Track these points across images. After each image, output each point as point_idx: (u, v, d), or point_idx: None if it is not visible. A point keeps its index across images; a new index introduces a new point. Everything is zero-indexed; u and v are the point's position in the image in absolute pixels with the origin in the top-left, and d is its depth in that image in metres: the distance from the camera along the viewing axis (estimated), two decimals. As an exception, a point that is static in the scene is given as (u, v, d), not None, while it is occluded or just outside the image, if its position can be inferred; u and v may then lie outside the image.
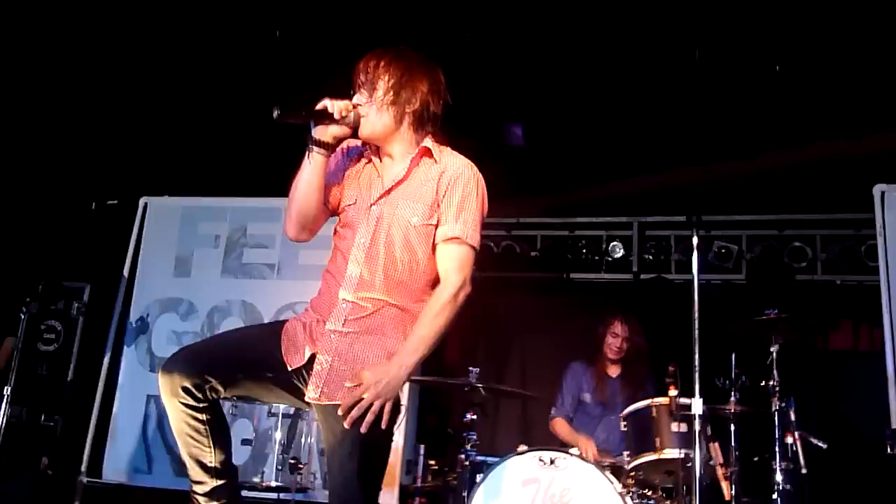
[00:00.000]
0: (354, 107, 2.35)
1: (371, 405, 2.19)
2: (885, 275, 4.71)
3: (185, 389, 2.29)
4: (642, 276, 5.64)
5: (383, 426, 2.23)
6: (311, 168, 2.35)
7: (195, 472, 2.40)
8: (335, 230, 2.48)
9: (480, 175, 2.43)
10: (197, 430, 2.35)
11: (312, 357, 2.33)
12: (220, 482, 2.40)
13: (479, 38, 4.63)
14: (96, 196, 5.92)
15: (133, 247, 5.91)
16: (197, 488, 2.42)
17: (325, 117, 2.31)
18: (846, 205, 5.13)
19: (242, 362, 2.38)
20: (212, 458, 2.38)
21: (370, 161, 2.46)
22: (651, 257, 5.52)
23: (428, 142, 2.41)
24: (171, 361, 2.36)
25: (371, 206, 2.38)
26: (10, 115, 5.38)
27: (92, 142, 5.74)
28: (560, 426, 4.67)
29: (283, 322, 2.48)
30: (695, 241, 3.40)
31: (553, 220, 5.93)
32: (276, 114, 2.23)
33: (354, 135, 2.40)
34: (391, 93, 2.35)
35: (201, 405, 2.32)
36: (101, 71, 5.24)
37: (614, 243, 5.71)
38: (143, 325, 5.77)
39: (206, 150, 5.85)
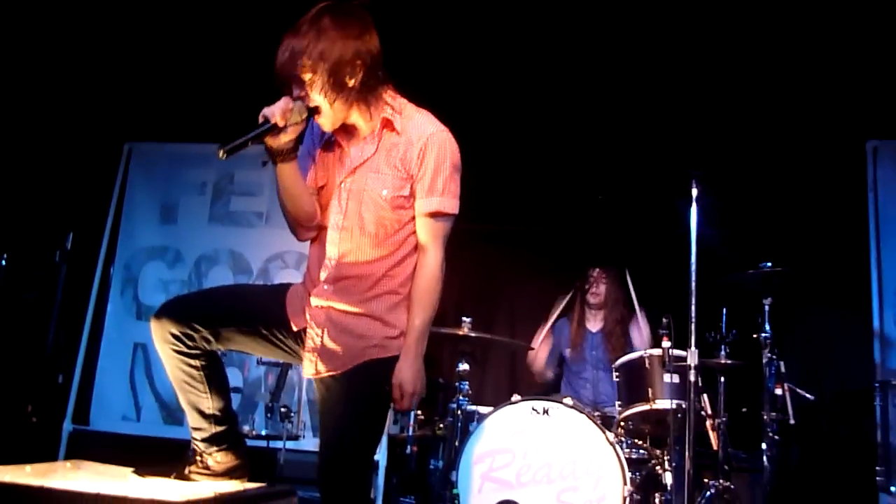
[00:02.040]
0: (296, 99, 2.21)
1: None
2: (874, 230, 4.76)
3: (175, 336, 2.28)
4: (634, 230, 5.64)
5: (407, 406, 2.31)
6: (285, 178, 2.28)
7: (193, 418, 2.41)
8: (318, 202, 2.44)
9: (449, 135, 2.34)
10: (192, 377, 2.35)
11: (303, 333, 2.35)
12: (219, 428, 2.41)
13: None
14: (78, 140, 5.76)
15: (117, 193, 5.80)
16: (196, 434, 2.43)
17: (271, 129, 2.17)
18: (837, 160, 5.12)
19: (235, 314, 2.36)
20: (209, 404, 2.39)
21: (336, 140, 2.39)
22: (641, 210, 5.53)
23: (387, 111, 2.31)
24: (161, 308, 2.35)
25: (340, 184, 2.34)
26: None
27: (75, 84, 5.58)
28: (536, 359, 4.76)
29: (287, 285, 2.46)
30: (693, 192, 3.39)
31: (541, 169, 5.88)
32: (221, 153, 2.12)
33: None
34: (327, 77, 2.18)
35: (193, 352, 2.31)
36: (82, 11, 5.07)
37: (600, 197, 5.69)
38: (128, 273, 5.70)
39: (193, 93, 5.71)
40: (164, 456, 5.06)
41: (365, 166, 2.32)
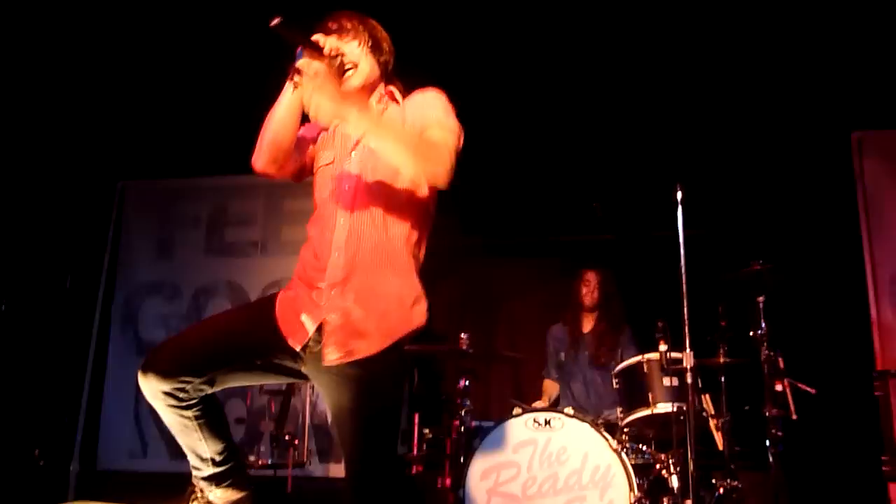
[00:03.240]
0: (342, 54, 2.33)
1: None
2: (865, 221, 4.78)
3: (167, 393, 2.22)
4: (624, 235, 5.66)
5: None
6: (289, 96, 2.29)
7: (192, 459, 2.38)
8: (313, 198, 2.42)
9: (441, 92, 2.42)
10: (186, 427, 2.30)
11: (321, 325, 2.25)
12: (218, 469, 2.38)
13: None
14: (72, 182, 5.81)
15: (113, 232, 5.85)
16: (196, 473, 2.41)
17: (316, 50, 2.25)
18: (822, 153, 5.15)
19: (226, 356, 2.28)
20: (206, 448, 2.34)
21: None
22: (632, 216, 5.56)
23: (393, 87, 2.46)
24: (147, 364, 2.24)
25: (351, 152, 2.36)
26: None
27: (65, 128, 5.64)
28: (548, 386, 4.75)
29: (271, 298, 2.38)
30: (678, 195, 3.41)
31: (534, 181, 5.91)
32: (276, 21, 2.11)
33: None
34: (371, 42, 2.38)
35: (185, 404, 2.25)
36: (69, 55, 5.13)
37: (596, 203, 5.72)
38: (128, 310, 5.73)
39: (180, 130, 5.77)
40: (172, 491, 5.10)
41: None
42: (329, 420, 2.36)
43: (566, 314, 4.82)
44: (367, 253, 2.28)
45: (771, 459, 3.69)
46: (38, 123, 5.55)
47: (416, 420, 4.79)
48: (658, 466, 3.82)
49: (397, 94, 2.46)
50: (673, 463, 3.76)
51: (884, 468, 3.76)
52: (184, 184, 5.90)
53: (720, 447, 3.93)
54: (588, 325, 4.78)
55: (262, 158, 2.34)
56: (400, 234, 2.32)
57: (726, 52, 4.88)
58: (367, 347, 2.22)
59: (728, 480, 3.79)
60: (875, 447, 3.83)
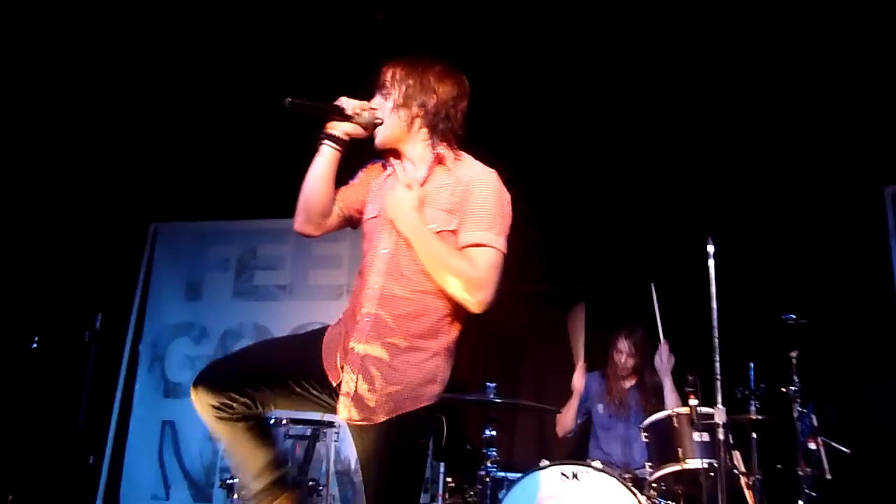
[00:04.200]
0: (371, 109, 2.38)
1: None
2: (898, 275, 4.71)
3: (215, 406, 2.29)
4: (655, 285, 5.62)
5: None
6: (320, 160, 2.39)
7: (244, 477, 2.42)
8: (362, 248, 2.45)
9: (499, 181, 2.37)
10: (236, 437, 2.35)
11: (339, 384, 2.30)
12: (271, 477, 2.39)
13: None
14: (105, 223, 5.91)
15: (144, 272, 5.92)
16: (246, 494, 2.44)
17: (338, 113, 2.34)
18: (855, 207, 5.10)
19: (270, 379, 2.33)
20: (258, 459, 2.37)
21: (393, 173, 2.45)
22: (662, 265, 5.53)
23: (442, 149, 2.37)
24: (198, 378, 2.34)
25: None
26: (16, 140, 5.40)
27: (99, 168, 5.75)
28: (563, 420, 4.68)
29: (323, 329, 2.42)
30: (710, 248, 3.39)
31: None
32: (287, 101, 2.24)
33: (371, 141, 2.41)
34: (403, 95, 2.37)
35: (234, 417, 2.31)
36: (103, 98, 5.25)
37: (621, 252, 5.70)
38: (155, 350, 5.77)
39: (213, 173, 5.87)
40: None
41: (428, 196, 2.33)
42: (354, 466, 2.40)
43: (606, 370, 4.74)
44: (392, 321, 2.28)
45: (804, 520, 3.60)
46: (74, 163, 5.68)
47: (442, 469, 4.75)
48: (689, 524, 3.74)
49: (448, 157, 2.38)
50: (703, 521, 3.67)
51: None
52: (215, 226, 5.98)
53: (752, 505, 3.84)
54: (629, 381, 4.70)
55: (298, 220, 2.45)
56: (433, 309, 2.30)
57: (763, 106, 4.89)
58: (367, 417, 2.26)
59: (760, 540, 3.69)
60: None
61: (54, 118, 5.35)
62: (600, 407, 4.71)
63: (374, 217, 2.41)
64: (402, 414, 2.25)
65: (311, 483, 4.36)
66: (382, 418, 2.24)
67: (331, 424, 4.62)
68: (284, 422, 4.55)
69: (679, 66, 4.76)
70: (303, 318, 5.59)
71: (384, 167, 2.50)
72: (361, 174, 2.53)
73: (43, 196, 5.80)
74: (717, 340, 3.26)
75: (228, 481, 4.46)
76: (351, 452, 5.20)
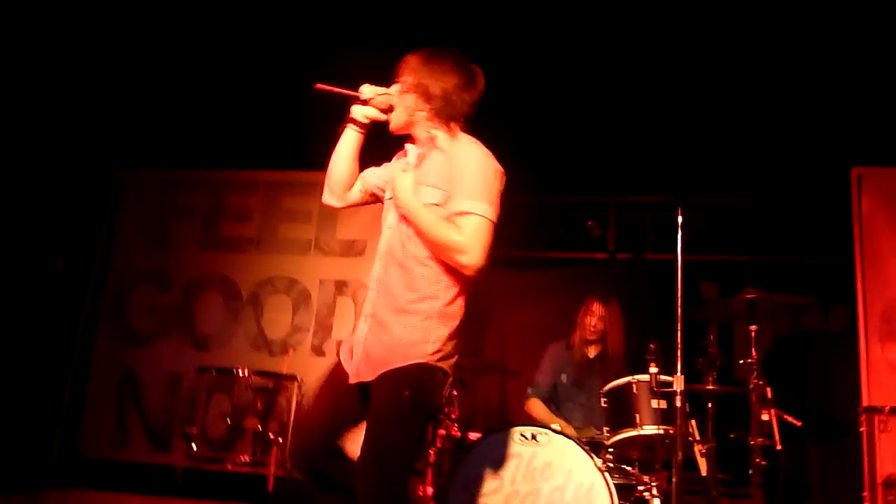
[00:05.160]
0: (387, 95, 2.61)
1: None
2: (860, 257, 4.81)
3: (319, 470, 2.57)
4: (619, 256, 5.69)
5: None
6: (343, 140, 2.68)
7: None
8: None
9: (484, 152, 2.53)
10: None
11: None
12: None
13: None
14: (69, 170, 5.79)
15: (107, 220, 5.83)
16: None
17: (357, 99, 2.62)
18: (821, 186, 5.19)
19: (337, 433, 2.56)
20: None
21: (404, 157, 2.65)
22: (628, 236, 5.59)
23: (436, 131, 2.57)
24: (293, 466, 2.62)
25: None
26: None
27: (64, 116, 5.62)
28: (535, 407, 4.67)
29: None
30: (679, 220, 3.43)
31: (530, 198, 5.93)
32: (316, 85, 2.56)
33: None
34: (412, 83, 2.57)
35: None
36: (70, 43, 5.13)
37: (591, 222, 5.74)
38: (117, 299, 5.71)
39: (180, 122, 5.77)
40: (151, 481, 5.08)
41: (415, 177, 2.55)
42: None
43: (572, 338, 4.77)
44: (393, 288, 2.51)
45: (753, 488, 3.70)
46: (38, 111, 5.54)
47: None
48: (641, 488, 3.82)
49: (440, 139, 2.56)
50: (656, 485, 3.76)
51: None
52: (182, 175, 5.89)
53: (703, 473, 3.94)
54: (593, 350, 4.75)
55: (324, 193, 2.75)
56: (426, 276, 2.50)
57: (733, 86, 4.94)
58: (367, 375, 2.48)
59: (709, 506, 3.80)
60: (856, 482, 3.84)
61: (21, 65, 5.20)
62: (564, 377, 4.75)
63: (389, 199, 2.63)
64: (392, 369, 2.43)
65: (271, 435, 4.38)
66: (376, 375, 2.45)
67: (293, 378, 4.63)
68: (246, 373, 4.56)
69: (653, 44, 4.79)
70: (270, 271, 5.57)
71: (404, 152, 2.69)
72: (393, 159, 2.74)
73: (5, 142, 5.66)
74: (680, 311, 3.31)
75: (187, 431, 4.46)
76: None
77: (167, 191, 5.90)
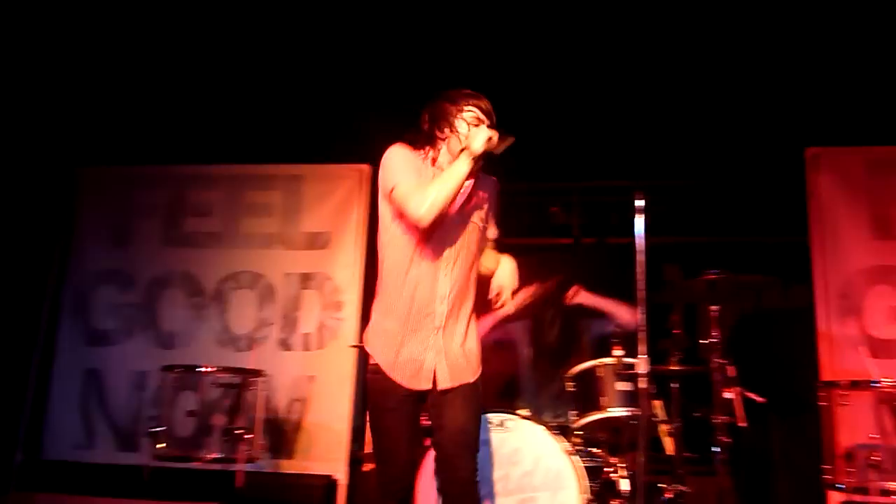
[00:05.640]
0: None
1: None
2: (816, 235, 4.90)
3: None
4: (583, 240, 5.73)
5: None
6: (466, 176, 2.82)
7: None
8: (420, 237, 2.87)
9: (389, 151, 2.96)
10: None
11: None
12: None
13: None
14: (29, 168, 5.67)
15: (67, 218, 5.73)
16: None
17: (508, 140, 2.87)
18: (779, 166, 5.27)
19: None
20: None
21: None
22: (591, 221, 5.64)
23: None
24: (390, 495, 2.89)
25: (461, 210, 2.95)
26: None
27: (25, 113, 5.52)
28: None
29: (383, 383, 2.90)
30: (639, 203, 3.46)
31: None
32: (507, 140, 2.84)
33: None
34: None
35: None
36: (24, 38, 5.03)
37: (554, 208, 5.78)
38: (79, 298, 5.62)
39: (139, 117, 5.70)
40: (116, 482, 5.01)
41: (472, 202, 2.99)
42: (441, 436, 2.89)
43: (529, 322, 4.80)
44: (459, 300, 2.98)
45: (718, 465, 3.77)
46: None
47: (368, 417, 4.77)
48: (608, 470, 3.87)
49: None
50: (623, 467, 3.81)
51: (824, 476, 3.85)
52: (142, 171, 5.79)
53: (669, 452, 4.00)
54: (552, 332, 4.77)
55: (430, 214, 2.77)
56: (472, 287, 3.05)
57: (694, 71, 4.99)
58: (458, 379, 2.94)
59: (676, 485, 3.86)
60: (817, 456, 3.93)
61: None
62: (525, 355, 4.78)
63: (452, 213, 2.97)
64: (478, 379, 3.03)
65: (238, 431, 4.35)
66: (468, 381, 2.95)
67: (259, 373, 4.60)
68: (212, 370, 4.52)
69: (608, 25, 4.82)
70: (233, 267, 5.52)
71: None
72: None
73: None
74: (642, 293, 3.35)
75: (153, 430, 4.41)
76: (279, 401, 5.21)
77: (128, 187, 5.80)
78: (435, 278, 2.88)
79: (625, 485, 3.75)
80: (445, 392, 2.88)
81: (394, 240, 2.91)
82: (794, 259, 4.98)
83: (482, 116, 2.94)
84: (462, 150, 2.80)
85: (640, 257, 3.42)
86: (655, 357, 3.70)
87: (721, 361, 3.86)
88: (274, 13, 5.06)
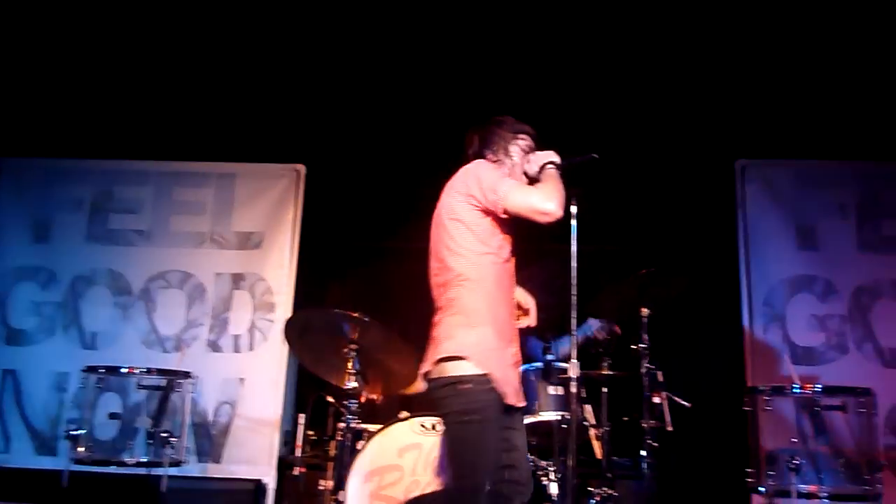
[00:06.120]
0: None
1: None
2: (743, 244, 5.04)
3: None
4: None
5: None
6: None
7: None
8: (505, 254, 3.02)
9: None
10: None
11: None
12: None
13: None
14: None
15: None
16: None
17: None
18: (707, 179, 5.38)
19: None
20: None
21: None
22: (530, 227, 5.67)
23: None
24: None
25: None
26: None
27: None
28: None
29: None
30: (573, 209, 3.48)
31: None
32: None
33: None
34: None
35: None
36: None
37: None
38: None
39: (65, 107, 5.51)
40: (35, 487, 4.83)
41: None
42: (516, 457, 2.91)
43: None
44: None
45: (645, 469, 3.82)
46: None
47: (302, 421, 4.71)
48: (539, 473, 3.88)
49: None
50: (553, 470, 3.83)
51: (748, 480, 3.95)
52: (67, 164, 5.59)
53: (598, 456, 4.05)
54: None
55: (562, 209, 2.94)
56: None
57: (623, 81, 5.07)
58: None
59: (605, 489, 3.90)
60: (742, 460, 4.02)
61: None
62: None
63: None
64: None
65: (164, 434, 4.23)
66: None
67: (186, 375, 4.49)
68: (137, 371, 4.39)
69: (551, 32, 4.87)
70: (162, 265, 5.38)
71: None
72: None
73: None
74: (574, 298, 3.37)
75: (73, 433, 4.26)
76: (207, 404, 5.10)
77: (51, 180, 5.58)
78: (513, 293, 3.07)
79: (554, 489, 3.77)
80: (518, 409, 2.93)
81: (492, 253, 2.97)
82: (722, 266, 5.10)
83: (533, 145, 3.17)
84: (546, 164, 3.06)
85: (574, 262, 3.44)
86: (586, 362, 3.73)
87: (650, 367, 3.91)
88: (212, 8, 4.97)
